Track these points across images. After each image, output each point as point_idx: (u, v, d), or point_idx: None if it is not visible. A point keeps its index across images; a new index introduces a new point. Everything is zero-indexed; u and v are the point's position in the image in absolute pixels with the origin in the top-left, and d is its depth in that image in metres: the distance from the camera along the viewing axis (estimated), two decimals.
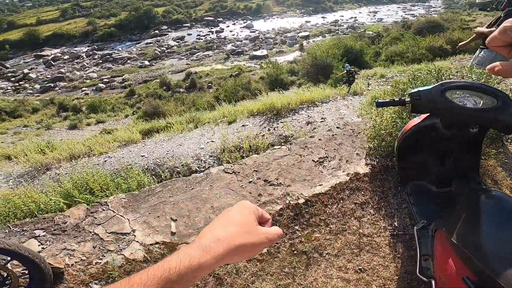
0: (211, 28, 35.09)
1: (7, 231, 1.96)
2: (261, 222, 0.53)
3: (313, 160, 2.30)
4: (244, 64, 21.92)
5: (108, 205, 2.07)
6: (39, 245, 1.83)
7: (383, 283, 1.55)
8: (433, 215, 1.50)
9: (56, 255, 1.76)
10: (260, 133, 3.82)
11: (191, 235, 1.82)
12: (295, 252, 1.72)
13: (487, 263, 0.97)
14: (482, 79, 2.13)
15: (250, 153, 3.27)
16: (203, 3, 44.18)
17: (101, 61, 26.25)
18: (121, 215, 1.98)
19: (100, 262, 1.72)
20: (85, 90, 19.89)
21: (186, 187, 2.16)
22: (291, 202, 1.93)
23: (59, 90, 20.44)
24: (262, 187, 2.08)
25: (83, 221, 1.99)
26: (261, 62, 20.49)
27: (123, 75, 22.09)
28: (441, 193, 1.61)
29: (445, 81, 1.38)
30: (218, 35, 32.41)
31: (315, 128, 3.66)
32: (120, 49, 29.47)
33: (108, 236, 1.86)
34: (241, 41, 29.63)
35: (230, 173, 2.23)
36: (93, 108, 14.25)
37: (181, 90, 16.36)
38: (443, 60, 8.89)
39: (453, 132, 1.42)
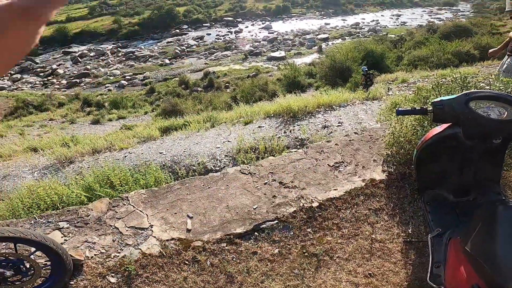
0: (230, 28, 35.40)
1: (32, 222, 2.03)
2: None
3: (328, 165, 2.31)
4: (261, 65, 21.98)
5: (129, 200, 2.16)
6: (62, 237, 1.90)
7: None
8: (449, 224, 1.49)
9: (78, 247, 1.83)
10: (276, 135, 3.84)
11: (206, 232, 1.88)
12: (306, 254, 1.73)
13: (498, 272, 0.97)
14: (509, 88, 2.06)
15: (266, 154, 3.30)
16: (223, 3, 44.67)
17: (124, 58, 27.12)
18: (140, 210, 2.07)
19: (118, 256, 1.79)
20: (108, 87, 20.61)
21: (203, 185, 2.22)
22: (304, 205, 1.95)
23: (84, 86, 21.29)
24: (277, 189, 2.10)
25: (105, 214, 2.07)
26: (279, 64, 20.47)
27: (144, 72, 22.73)
28: (458, 202, 1.59)
29: (470, 91, 1.36)
30: (237, 35, 32.64)
31: (331, 132, 3.64)
32: (143, 47, 30.33)
33: (127, 230, 1.93)
34: (259, 42, 29.71)
35: (246, 174, 2.27)
36: (115, 104, 14.76)
37: (199, 89, 16.65)
38: (470, 66, 8.55)
39: (475, 142, 1.39)
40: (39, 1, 0.29)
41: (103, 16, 39.58)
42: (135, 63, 25.70)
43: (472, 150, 1.44)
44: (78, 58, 27.28)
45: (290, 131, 3.93)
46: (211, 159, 3.59)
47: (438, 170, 1.62)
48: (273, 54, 24.70)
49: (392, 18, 37.36)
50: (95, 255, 1.80)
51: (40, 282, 1.59)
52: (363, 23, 35.36)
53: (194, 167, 3.46)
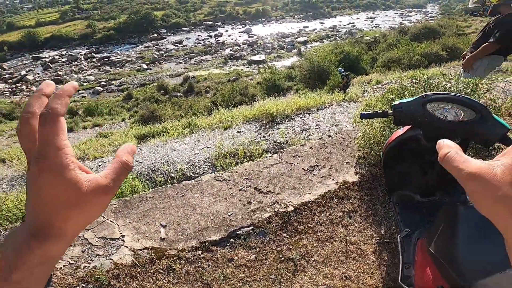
0: (210, 32, 35.29)
1: None
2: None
3: (303, 169, 2.33)
4: (242, 69, 22.03)
5: None
6: None
7: None
8: (417, 224, 1.52)
9: None
10: (255, 139, 3.85)
11: (180, 241, 1.84)
12: (283, 259, 1.73)
13: (460, 274, 0.99)
14: (469, 89, 2.17)
15: (245, 159, 3.30)
16: (202, 7, 44.48)
17: (99, 64, 26.28)
18: (111, 221, 2.00)
19: (89, 266, 1.75)
20: (82, 93, 19.87)
21: (177, 194, 2.18)
22: (280, 210, 1.96)
23: None
24: (252, 195, 2.10)
25: None
26: (259, 67, 20.63)
27: (121, 78, 22.12)
28: (425, 202, 1.62)
29: (427, 93, 1.41)
30: (216, 39, 32.58)
31: (309, 135, 3.69)
32: (119, 52, 29.55)
33: (97, 241, 1.89)
34: (240, 45, 29.81)
35: (221, 181, 2.25)
36: (90, 111, 14.24)
37: (179, 94, 16.41)
38: (439, 67, 9.00)
39: (435, 144, 1.44)
40: (119, 181, 0.34)
41: (76, 21, 38.25)
42: (111, 68, 24.96)
43: (433, 151, 1.50)
44: (49, 63, 26.14)
45: (269, 135, 3.95)
46: (190, 165, 3.54)
47: (403, 172, 1.66)
48: (253, 58, 24.85)
49: (367, 20, 38.76)
50: (64, 266, 1.75)
51: None
52: (340, 25, 36.41)
53: (172, 175, 3.40)
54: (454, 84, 2.35)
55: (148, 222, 1.97)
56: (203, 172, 3.29)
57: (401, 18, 38.27)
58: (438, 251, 1.15)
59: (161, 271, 1.71)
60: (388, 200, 2.04)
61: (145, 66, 24.99)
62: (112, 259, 1.77)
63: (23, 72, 24.28)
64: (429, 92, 1.41)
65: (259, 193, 2.11)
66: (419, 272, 1.26)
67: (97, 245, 1.86)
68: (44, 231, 0.28)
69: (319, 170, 2.31)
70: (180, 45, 30.91)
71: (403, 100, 1.43)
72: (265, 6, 43.66)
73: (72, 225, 0.29)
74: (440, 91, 2.26)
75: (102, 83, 21.33)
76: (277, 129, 4.07)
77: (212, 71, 21.87)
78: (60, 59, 27.70)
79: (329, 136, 2.82)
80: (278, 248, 1.78)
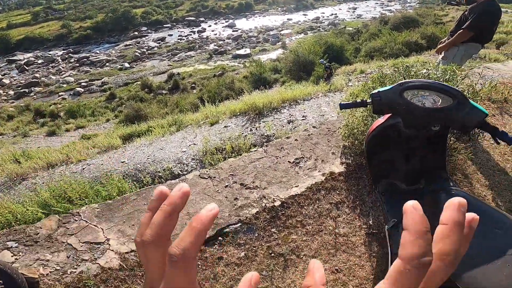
0: (193, 28, 34.65)
1: None
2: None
3: (289, 161, 2.33)
4: (227, 64, 21.81)
5: (80, 215, 2.03)
6: (12, 256, 1.84)
7: (359, 283, 1.59)
8: (403, 214, 1.51)
9: (30, 265, 1.76)
10: (242, 133, 3.82)
11: None
12: (273, 254, 1.73)
13: None
14: (447, 75, 2.21)
15: (233, 154, 3.28)
16: (183, 3, 43.45)
17: (77, 64, 25.39)
18: (94, 225, 1.96)
19: (75, 272, 1.73)
20: (62, 95, 19.18)
21: None
22: (267, 205, 1.95)
23: (35, 96, 19.61)
24: (238, 191, 2.09)
25: (55, 232, 1.97)
26: (245, 61, 20.48)
27: (102, 78, 21.46)
28: (410, 191, 1.62)
29: (404, 81, 1.41)
30: (200, 35, 32.05)
31: (296, 126, 3.69)
32: (98, 51, 28.60)
33: (81, 246, 1.85)
34: (224, 40, 29.44)
35: (206, 178, 2.22)
36: (72, 113, 13.79)
37: (164, 91, 16.10)
38: (419, 55, 9.16)
39: (416, 131, 1.45)
40: None
41: (49, 22, 36.69)
42: (91, 68, 24.16)
43: (414, 139, 1.51)
44: (24, 66, 25.05)
45: (256, 129, 3.93)
46: (178, 163, 3.49)
47: (386, 160, 1.65)
48: (238, 52, 24.59)
49: (349, 11, 38.90)
50: (50, 272, 1.73)
51: None
52: (323, 17, 36.42)
53: (159, 174, 3.35)
54: (432, 71, 2.39)
55: (133, 225, 1.93)
56: (191, 170, 3.25)
57: (382, 8, 38.61)
58: None
59: None
60: (374, 190, 2.05)
61: (127, 64, 24.33)
62: (98, 264, 1.75)
63: None
64: (406, 80, 1.41)
65: (246, 188, 2.10)
66: None
67: (82, 250, 1.83)
68: None
69: (305, 162, 2.31)
70: (162, 42, 30.21)
71: (381, 89, 1.43)
72: None
73: None
74: (419, 78, 2.29)
75: (83, 84, 20.64)
76: (264, 122, 4.06)
77: (197, 67, 21.53)
78: (35, 61, 26.57)
79: (314, 127, 2.83)
80: (268, 244, 1.78)
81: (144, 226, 0.27)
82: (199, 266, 1.70)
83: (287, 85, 8.58)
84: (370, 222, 1.89)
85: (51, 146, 8.26)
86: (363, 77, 6.99)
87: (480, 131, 2.29)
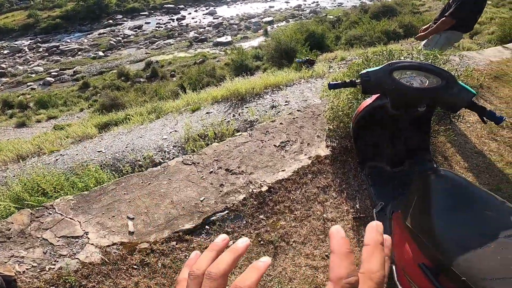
0: (172, 16, 33.30)
1: None
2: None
3: (274, 145, 2.29)
4: (208, 51, 21.26)
5: (54, 208, 1.89)
6: None
7: None
8: (390, 196, 1.50)
9: (5, 262, 1.66)
10: (225, 119, 3.73)
11: (151, 233, 1.73)
12: (262, 242, 1.69)
13: (440, 249, 0.95)
14: (429, 59, 2.23)
15: (215, 140, 3.19)
16: None
17: (46, 54, 23.79)
18: (70, 218, 1.83)
19: (54, 268, 1.63)
20: (31, 85, 17.99)
21: (142, 183, 2.03)
22: (254, 190, 1.90)
23: (1, 87, 18.28)
24: (223, 176, 2.02)
25: (28, 226, 1.83)
26: (226, 49, 20.04)
27: (74, 67, 20.25)
28: (395, 173, 1.62)
29: (393, 61, 1.39)
30: (179, 22, 30.91)
31: (279, 112, 3.65)
32: (69, 40, 26.88)
33: (58, 241, 1.74)
34: (204, 28, 28.60)
35: (190, 165, 2.13)
36: (42, 103, 12.98)
37: (142, 80, 15.48)
38: (397, 43, 9.34)
39: (402, 111, 1.44)
40: None
41: (14, 12, 33.97)
42: (61, 58, 22.72)
43: (400, 120, 1.51)
44: None
45: (239, 114, 3.85)
46: (158, 151, 3.37)
47: (372, 142, 1.65)
48: (219, 40, 24.00)
49: None
50: (27, 269, 1.63)
51: None
52: (305, 5, 36.15)
53: (140, 162, 3.22)
54: (415, 55, 2.40)
55: (114, 216, 1.82)
56: (173, 157, 3.14)
57: None
58: (415, 224, 1.11)
59: (135, 266, 1.61)
60: (360, 173, 2.05)
61: (101, 53, 23.06)
62: (78, 259, 1.65)
63: None
64: (396, 60, 1.39)
65: (231, 174, 2.04)
66: (398, 248, 1.21)
67: (59, 245, 1.72)
68: None
69: (291, 145, 2.28)
70: (139, 30, 28.84)
71: (370, 69, 1.40)
72: None
73: None
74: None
75: (53, 73, 19.37)
76: (246, 107, 3.98)
77: (177, 54, 20.82)
78: (1, 51, 24.71)
79: (298, 110, 2.79)
80: (256, 231, 1.74)
81: (205, 260, 0.32)
82: (186, 257, 1.64)
83: (269, 72, 8.48)
84: (357, 205, 1.88)
85: (21, 137, 7.76)
86: (344, 63, 7.03)
87: (460, 113, 2.35)
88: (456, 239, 0.96)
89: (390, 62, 1.38)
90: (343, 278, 0.26)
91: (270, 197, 1.90)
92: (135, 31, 28.67)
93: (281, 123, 2.57)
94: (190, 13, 34.40)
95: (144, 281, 1.55)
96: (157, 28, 29.02)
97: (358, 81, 1.42)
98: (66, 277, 1.57)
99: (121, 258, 1.63)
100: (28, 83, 18.25)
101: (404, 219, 1.18)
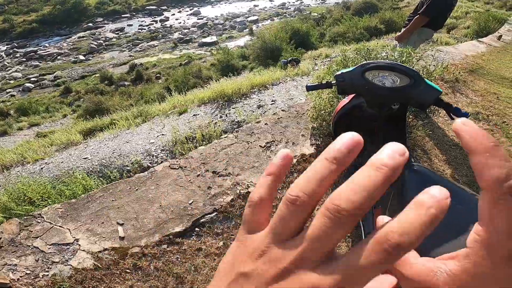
0: (155, 17, 32.86)
1: None
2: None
3: (260, 146, 2.34)
4: (193, 52, 21.11)
5: (43, 217, 1.90)
6: None
7: None
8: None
9: None
10: (212, 121, 3.76)
11: (142, 237, 1.75)
12: None
13: (419, 245, 1.00)
14: (403, 57, 2.33)
15: (204, 142, 3.22)
16: None
17: (24, 59, 23.06)
18: (60, 226, 1.84)
19: (48, 275, 1.65)
20: (10, 92, 17.42)
21: (129, 188, 2.05)
22: (241, 191, 1.95)
23: None
24: (211, 179, 2.06)
25: (17, 235, 1.84)
26: (211, 49, 19.96)
27: (54, 72, 19.71)
28: None
29: (365, 62, 1.46)
30: (163, 24, 30.56)
31: (266, 111, 3.70)
32: (47, 45, 26.11)
33: (49, 248, 1.76)
34: (189, 28, 28.37)
35: (177, 169, 2.16)
36: (23, 110, 12.59)
37: (126, 83, 15.22)
38: (379, 39, 9.56)
39: (377, 110, 1.52)
40: None
41: None
42: (40, 63, 22.05)
43: (377, 118, 1.58)
44: None
45: (226, 115, 3.89)
46: (146, 156, 3.36)
47: None
48: (204, 40, 23.87)
49: None
50: (21, 277, 1.64)
51: None
52: (289, 3, 36.37)
53: (128, 168, 3.21)
54: (390, 53, 2.51)
55: (103, 222, 1.84)
56: (162, 161, 3.15)
57: None
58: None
59: (128, 270, 1.63)
60: (343, 171, 2.10)
61: (82, 57, 22.52)
62: (71, 265, 1.67)
63: None
64: (367, 61, 1.46)
65: (218, 176, 2.08)
66: None
67: (50, 253, 1.74)
68: None
69: (276, 145, 2.34)
70: (121, 33, 28.31)
71: (344, 70, 1.47)
72: None
73: None
74: (378, 60, 2.39)
75: (32, 79, 18.79)
76: (233, 108, 4.01)
77: (161, 56, 20.57)
78: None
79: (283, 110, 2.85)
80: None
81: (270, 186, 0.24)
82: (178, 259, 1.67)
83: (256, 71, 8.53)
84: None
85: (3, 146, 7.54)
86: (328, 61, 7.16)
87: (436, 108, 2.46)
88: (432, 234, 1.00)
89: (362, 63, 1.45)
90: (502, 180, 0.19)
91: None
92: (117, 33, 28.16)
93: (266, 124, 2.62)
94: (173, 14, 34.02)
95: (138, 284, 1.58)
96: (140, 30, 28.60)
97: (334, 82, 1.48)
98: (61, 283, 1.59)
99: (113, 263, 1.65)
100: (7, 90, 17.66)
101: (383, 214, 1.21)
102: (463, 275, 0.20)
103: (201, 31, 27.26)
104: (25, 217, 1.93)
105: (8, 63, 22.51)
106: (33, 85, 17.85)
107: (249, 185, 2.01)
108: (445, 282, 0.21)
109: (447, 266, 0.22)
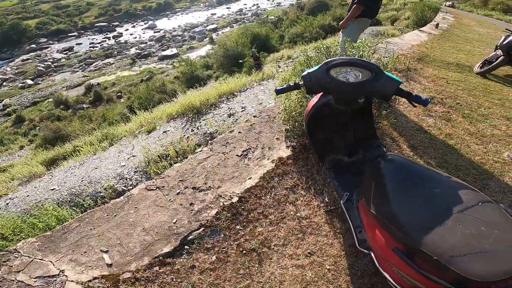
0: (107, 34, 31.59)
1: None
2: None
3: (237, 155, 2.33)
4: (154, 67, 20.58)
5: (19, 252, 1.77)
6: None
7: (334, 261, 1.61)
8: (352, 186, 1.56)
9: None
10: (184, 135, 3.68)
11: (130, 262, 1.67)
12: (244, 251, 1.70)
13: (405, 232, 0.99)
14: (360, 52, 2.47)
15: (178, 158, 3.14)
16: (90, 9, 38.86)
17: None
18: (40, 259, 1.72)
19: None
20: None
21: (107, 215, 1.94)
22: (225, 203, 1.92)
23: None
24: (192, 195, 2.01)
25: None
26: (173, 62, 19.63)
27: (2, 100, 18.15)
28: (352, 162, 1.72)
29: (328, 60, 1.53)
30: (116, 40, 29.44)
31: (237, 119, 3.71)
32: None
33: (35, 281, 1.62)
34: (146, 43, 27.64)
35: (154, 190, 2.08)
36: None
37: (85, 106, 14.42)
38: (334, 36, 10.04)
39: (345, 105, 1.60)
40: None
41: None
42: None
43: (345, 113, 1.66)
44: None
45: (198, 128, 3.83)
46: (120, 179, 3.21)
47: (326, 136, 1.76)
48: (164, 53, 23.40)
49: (269, 0, 40.15)
50: None
51: None
52: (246, 8, 36.94)
53: (101, 194, 3.04)
54: (349, 49, 2.64)
55: (86, 251, 1.73)
56: (137, 183, 3.02)
57: None
58: (378, 211, 1.15)
59: None
60: (322, 167, 2.15)
61: (30, 81, 20.95)
62: None
63: None
64: (330, 59, 1.53)
65: (199, 191, 2.04)
66: (371, 234, 1.24)
67: (37, 285, 1.60)
68: None
69: (253, 152, 2.35)
70: (70, 52, 26.82)
71: (310, 70, 1.52)
72: None
73: None
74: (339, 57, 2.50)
75: None
76: (204, 120, 3.97)
77: (120, 74, 19.77)
78: None
79: (254, 116, 2.87)
80: (236, 242, 1.74)
81: None
82: (173, 280, 1.60)
83: (221, 80, 8.53)
84: (326, 199, 1.94)
85: None
86: (291, 62, 7.37)
87: (397, 97, 2.62)
88: (417, 221, 1.00)
89: (325, 61, 1.51)
90: None
91: (242, 207, 1.92)
92: (66, 53, 26.68)
93: (239, 132, 2.63)
94: (127, 30, 32.97)
95: None
96: (91, 48, 27.35)
97: (302, 83, 1.54)
98: None
99: None
100: None
101: (368, 206, 1.24)
102: None
103: (160, 44, 26.71)
104: (1, 253, 1.78)
105: None
106: None
107: (231, 196, 1.99)
108: None
109: None
